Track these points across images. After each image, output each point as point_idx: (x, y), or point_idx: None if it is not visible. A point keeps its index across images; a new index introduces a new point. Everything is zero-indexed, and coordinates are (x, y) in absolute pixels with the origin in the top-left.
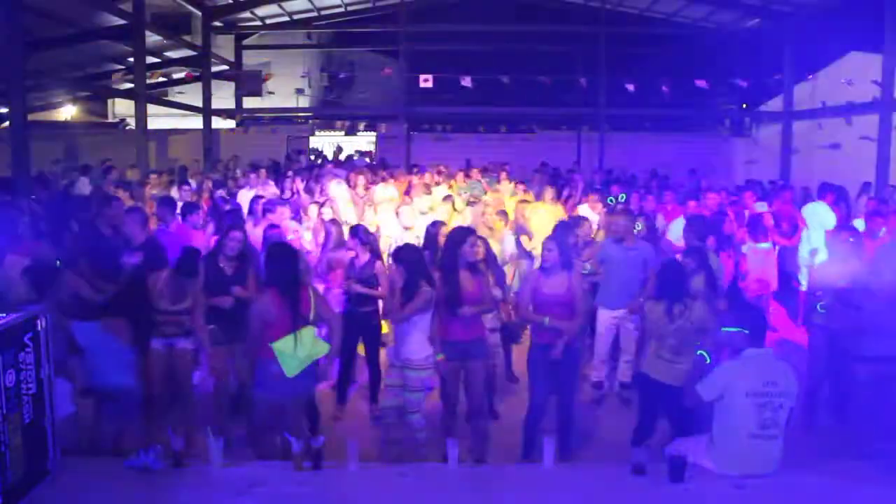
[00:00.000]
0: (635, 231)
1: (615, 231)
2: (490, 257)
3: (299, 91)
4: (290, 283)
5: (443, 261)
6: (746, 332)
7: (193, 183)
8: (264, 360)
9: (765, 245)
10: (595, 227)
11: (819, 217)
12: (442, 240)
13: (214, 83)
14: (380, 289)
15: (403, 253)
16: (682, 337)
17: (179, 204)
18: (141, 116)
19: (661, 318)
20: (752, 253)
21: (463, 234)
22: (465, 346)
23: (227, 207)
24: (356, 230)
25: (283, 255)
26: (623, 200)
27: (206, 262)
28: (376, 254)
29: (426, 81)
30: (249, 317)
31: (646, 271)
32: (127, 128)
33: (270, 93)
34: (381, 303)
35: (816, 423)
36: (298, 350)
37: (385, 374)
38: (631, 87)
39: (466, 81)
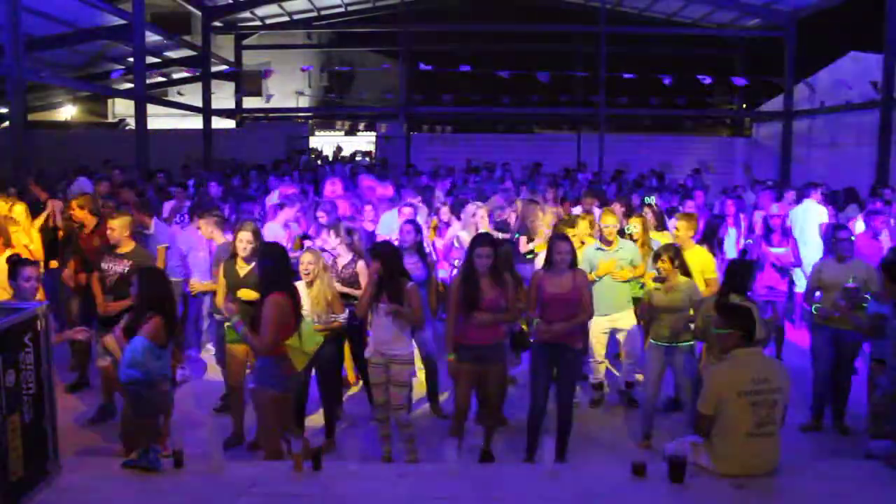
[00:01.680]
0: (628, 231)
1: (600, 233)
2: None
3: (299, 92)
4: (289, 281)
5: (463, 265)
6: (740, 333)
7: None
8: (273, 358)
9: (779, 249)
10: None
11: (814, 214)
12: None
13: (214, 83)
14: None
15: (381, 248)
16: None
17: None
18: (141, 116)
19: None
20: (766, 257)
21: (477, 241)
22: (482, 349)
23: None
24: (339, 229)
25: (277, 254)
26: (651, 203)
27: (226, 264)
28: (358, 253)
29: (425, 67)
30: (265, 318)
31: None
32: (127, 128)
33: (270, 95)
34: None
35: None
36: (304, 343)
37: (369, 373)
38: (630, 87)
39: (465, 68)
